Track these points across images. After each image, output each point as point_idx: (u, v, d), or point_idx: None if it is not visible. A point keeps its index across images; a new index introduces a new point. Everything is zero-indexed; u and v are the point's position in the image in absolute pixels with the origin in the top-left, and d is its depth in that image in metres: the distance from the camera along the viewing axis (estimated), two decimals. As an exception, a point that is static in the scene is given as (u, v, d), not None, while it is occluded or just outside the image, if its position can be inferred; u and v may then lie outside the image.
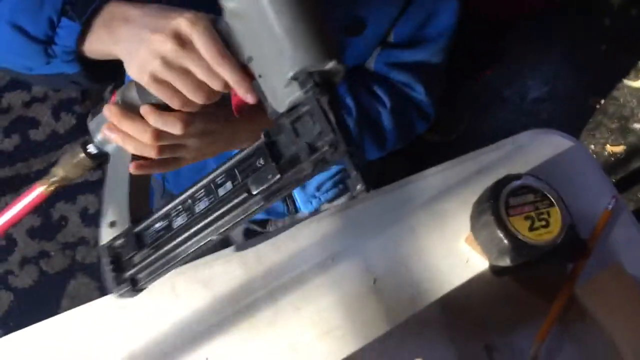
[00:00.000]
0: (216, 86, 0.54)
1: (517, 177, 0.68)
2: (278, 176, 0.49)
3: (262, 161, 0.51)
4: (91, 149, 0.61)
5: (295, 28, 0.49)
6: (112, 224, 0.59)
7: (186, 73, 0.53)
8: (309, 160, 0.49)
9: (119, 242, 0.58)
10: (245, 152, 0.52)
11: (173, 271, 0.69)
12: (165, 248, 0.54)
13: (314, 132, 0.49)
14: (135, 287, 0.56)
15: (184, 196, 0.55)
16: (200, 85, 0.54)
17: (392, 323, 0.67)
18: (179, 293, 0.70)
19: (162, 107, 0.57)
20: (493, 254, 0.67)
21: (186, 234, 0.54)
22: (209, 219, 0.53)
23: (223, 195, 0.52)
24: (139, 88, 0.58)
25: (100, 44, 0.57)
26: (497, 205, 0.66)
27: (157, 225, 0.56)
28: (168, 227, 0.55)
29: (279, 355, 0.66)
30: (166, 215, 0.56)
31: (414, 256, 0.71)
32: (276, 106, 0.52)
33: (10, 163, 1.73)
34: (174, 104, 0.55)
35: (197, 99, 0.54)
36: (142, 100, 0.58)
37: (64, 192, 1.65)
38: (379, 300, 0.69)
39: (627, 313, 0.66)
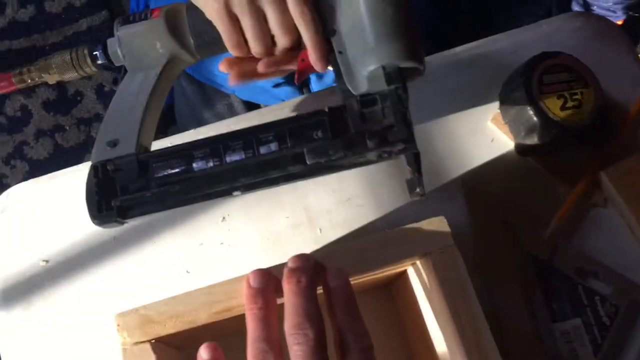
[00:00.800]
0: (284, 41, 0.52)
1: (554, 54, 0.65)
2: (341, 154, 0.48)
3: (320, 134, 0.49)
4: (100, 57, 0.57)
5: (399, 21, 0.49)
6: (113, 143, 0.52)
7: (261, 16, 0.51)
8: (377, 150, 0.48)
9: (116, 163, 0.51)
10: (301, 119, 0.50)
11: (196, 130, 0.70)
12: (176, 188, 0.50)
13: (383, 124, 0.49)
14: (122, 217, 0.50)
15: (213, 141, 0.51)
16: (267, 35, 0.52)
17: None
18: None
19: (203, 43, 0.55)
20: (520, 132, 0.66)
21: (207, 181, 0.50)
22: (241, 173, 0.49)
23: (265, 154, 0.49)
24: (193, 13, 0.55)
25: None
26: (530, 81, 0.64)
27: (173, 161, 0.50)
28: (186, 167, 0.50)
29: (297, 217, 0.66)
30: (186, 154, 0.50)
31: (438, 132, 0.70)
32: (349, 86, 0.51)
33: (25, 34, 1.70)
34: (230, 42, 0.53)
35: (256, 47, 0.52)
36: (190, 26, 0.55)
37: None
38: (400, 174, 0.68)
39: (651, 199, 0.65)
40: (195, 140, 0.51)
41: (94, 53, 0.57)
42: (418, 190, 0.49)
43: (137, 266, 0.65)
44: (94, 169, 0.51)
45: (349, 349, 0.42)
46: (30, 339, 0.63)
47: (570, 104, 0.63)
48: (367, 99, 0.50)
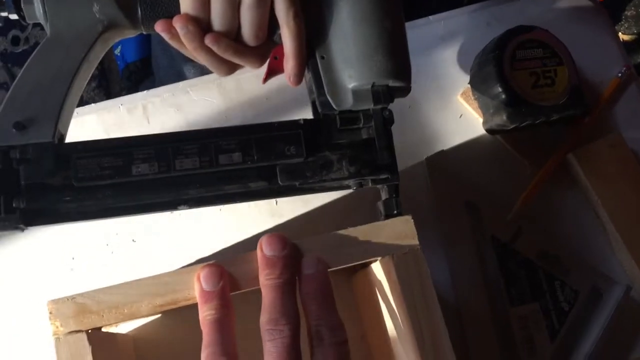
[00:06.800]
0: (251, 34, 0.44)
1: (529, 28, 0.62)
2: (318, 178, 0.44)
3: (293, 150, 0.44)
4: (7, 5, 0.43)
5: (396, 35, 0.44)
6: (22, 126, 0.41)
7: (236, 4, 0.43)
8: (358, 177, 0.45)
9: (23, 152, 0.41)
10: (272, 129, 0.44)
11: (146, 92, 0.66)
12: (105, 193, 0.41)
13: (363, 147, 0.45)
14: (27, 224, 0.41)
15: (160, 140, 0.43)
16: (234, 20, 0.43)
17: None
18: (151, 116, 0.65)
19: (153, 15, 0.45)
20: (489, 109, 0.63)
21: (148, 190, 0.42)
22: (192, 183, 0.42)
23: (224, 164, 0.43)
24: None
25: None
26: (501, 56, 0.60)
27: (105, 159, 0.41)
28: (122, 169, 0.41)
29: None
30: (123, 152, 0.42)
31: (403, 104, 0.67)
32: (331, 98, 0.45)
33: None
34: (196, 17, 0.43)
35: (221, 26, 0.43)
36: None
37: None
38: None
39: (618, 183, 0.63)
40: (138, 137, 0.42)
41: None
42: (395, 212, 0.46)
43: (80, 231, 0.61)
44: None
45: (322, 342, 0.39)
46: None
47: (542, 81, 0.61)
48: (348, 116, 0.45)
